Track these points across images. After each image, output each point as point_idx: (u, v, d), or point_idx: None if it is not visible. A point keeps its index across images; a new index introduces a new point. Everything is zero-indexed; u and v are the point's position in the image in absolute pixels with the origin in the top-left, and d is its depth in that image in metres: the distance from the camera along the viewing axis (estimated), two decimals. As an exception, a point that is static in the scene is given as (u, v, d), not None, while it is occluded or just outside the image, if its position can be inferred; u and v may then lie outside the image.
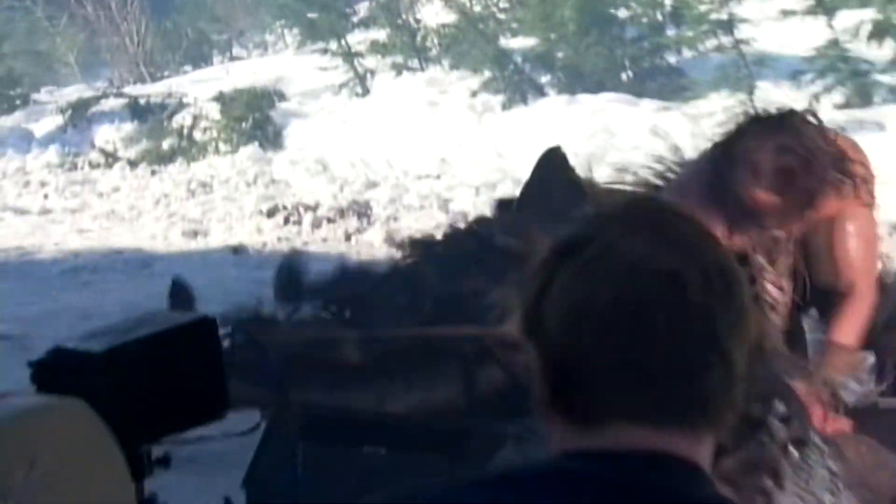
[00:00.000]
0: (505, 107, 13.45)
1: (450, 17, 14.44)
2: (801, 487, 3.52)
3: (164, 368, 1.85)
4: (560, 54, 13.94)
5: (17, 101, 17.15)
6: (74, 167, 13.23)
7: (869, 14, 11.45)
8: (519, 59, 13.99)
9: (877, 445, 3.92)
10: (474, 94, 13.58)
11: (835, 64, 11.54)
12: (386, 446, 2.67)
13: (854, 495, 3.61)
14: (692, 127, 11.36)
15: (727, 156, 4.02)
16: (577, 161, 10.46)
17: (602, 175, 10.08)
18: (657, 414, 1.27)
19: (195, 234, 9.29)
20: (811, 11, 11.78)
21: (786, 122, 4.08)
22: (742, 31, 11.94)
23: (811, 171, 3.96)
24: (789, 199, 3.93)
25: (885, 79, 11.37)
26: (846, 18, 11.72)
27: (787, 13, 12.24)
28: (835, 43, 11.53)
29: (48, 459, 1.57)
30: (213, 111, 13.60)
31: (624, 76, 13.60)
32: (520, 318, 1.33)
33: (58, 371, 1.78)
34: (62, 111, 15.90)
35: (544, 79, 13.88)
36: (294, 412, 2.04)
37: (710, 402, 1.27)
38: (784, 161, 3.89)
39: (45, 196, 11.61)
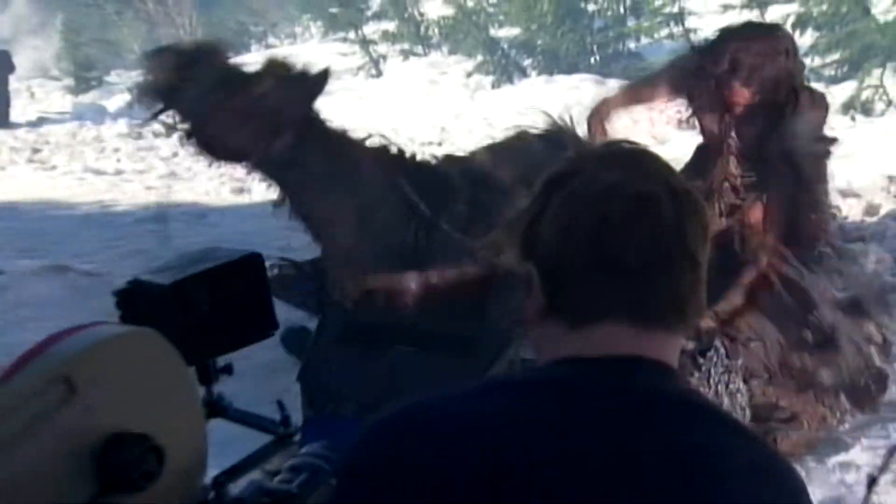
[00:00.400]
0: (494, 85, 13.42)
1: (448, 11, 14.32)
2: (705, 382, 3.66)
3: (221, 297, 1.77)
4: (539, 41, 13.89)
5: (93, 82, 17.00)
6: (140, 136, 13.09)
7: (794, 8, 11.37)
8: (505, 46, 13.94)
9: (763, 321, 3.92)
10: (469, 74, 13.55)
11: (766, 48, 11.56)
12: (412, 347, 2.62)
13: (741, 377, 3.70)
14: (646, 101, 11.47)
15: (713, 50, 3.95)
16: (553, 128, 10.61)
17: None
18: (639, 314, 1.24)
19: (241, 190, 9.18)
20: (747, 5, 11.73)
21: (767, 32, 4.10)
22: (690, 22, 11.87)
23: (781, 78, 3.90)
24: (759, 97, 3.85)
25: (807, 61, 11.36)
26: (775, 11, 11.60)
27: (727, 7, 12.18)
28: (761, 22, 11.53)
29: (127, 377, 1.49)
30: (260, 85, 13.54)
31: (593, 60, 13.58)
32: (516, 243, 1.31)
33: (134, 300, 1.70)
34: (129, 90, 15.83)
35: (527, 62, 13.82)
36: (334, 321, 1.92)
37: (683, 303, 1.25)
38: (762, 62, 3.83)
39: (118, 160, 11.49)
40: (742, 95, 3.84)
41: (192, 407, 1.57)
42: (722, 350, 3.74)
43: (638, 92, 4.68)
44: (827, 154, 4.12)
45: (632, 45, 13.92)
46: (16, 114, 14.78)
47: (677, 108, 4.30)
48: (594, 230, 1.23)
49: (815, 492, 3.43)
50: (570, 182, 1.26)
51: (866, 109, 9.56)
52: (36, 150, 12.18)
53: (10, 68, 14.89)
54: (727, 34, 3.99)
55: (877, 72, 9.74)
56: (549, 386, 1.24)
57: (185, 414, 1.55)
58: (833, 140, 4.14)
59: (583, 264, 1.24)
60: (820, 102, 4.06)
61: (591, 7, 14.02)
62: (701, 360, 3.68)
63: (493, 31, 14.22)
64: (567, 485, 1.16)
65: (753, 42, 3.90)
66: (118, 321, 1.67)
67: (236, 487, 1.68)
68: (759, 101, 3.88)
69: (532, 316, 1.27)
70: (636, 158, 1.29)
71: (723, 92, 3.87)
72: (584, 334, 1.24)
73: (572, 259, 1.24)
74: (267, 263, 1.96)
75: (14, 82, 15.12)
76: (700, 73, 3.96)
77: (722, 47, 3.91)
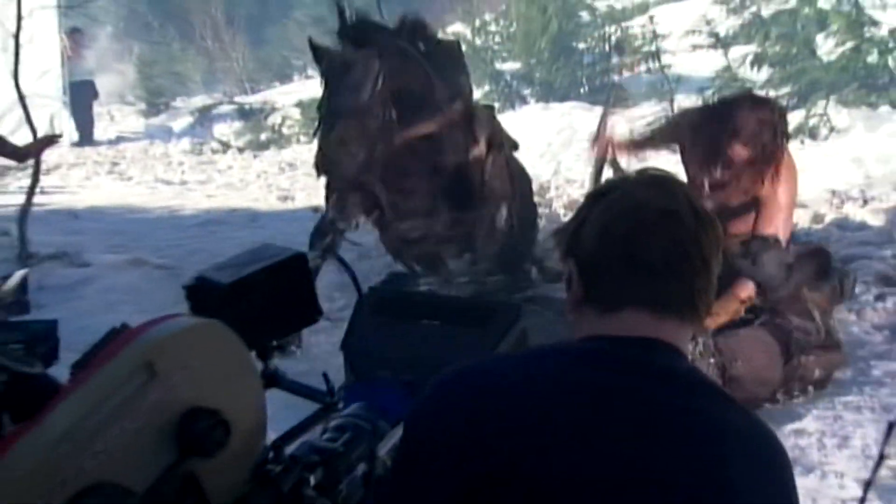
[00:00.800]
0: (498, 111, 13.40)
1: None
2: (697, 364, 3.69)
3: (272, 291, 1.77)
4: (537, 74, 13.82)
5: (162, 107, 17.00)
6: (201, 152, 13.15)
7: (752, 48, 11.36)
8: (508, 77, 13.87)
9: (762, 335, 3.96)
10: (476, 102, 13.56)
11: (729, 83, 11.43)
12: (437, 320, 2.60)
13: (735, 370, 3.69)
14: (629, 125, 11.43)
15: (719, 114, 4.04)
16: (549, 148, 10.58)
17: (568, 156, 10.22)
18: (658, 305, 1.29)
19: (286, 198, 9.24)
20: (713, 46, 11.65)
21: (765, 103, 4.13)
22: (665, 59, 11.83)
23: (776, 139, 3.98)
24: (758, 155, 3.93)
25: (763, 92, 11.32)
26: (736, 51, 11.61)
27: (696, 47, 12.18)
28: (728, 68, 11.40)
29: (199, 361, 1.53)
30: (295, 113, 13.49)
31: (582, 90, 13.49)
32: (561, 244, 1.38)
33: (200, 294, 1.71)
34: (192, 113, 15.85)
35: (526, 91, 13.75)
36: (370, 297, 1.87)
37: (696, 299, 1.31)
38: (760, 130, 3.89)
39: (183, 172, 11.52)
40: (740, 154, 3.93)
41: (253, 384, 1.59)
42: (710, 343, 3.72)
43: (642, 142, 4.77)
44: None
45: (615, 77, 13.80)
46: (98, 133, 14.81)
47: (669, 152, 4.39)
48: (626, 234, 1.29)
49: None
50: (609, 196, 1.33)
51: (813, 134, 9.52)
52: (115, 164, 12.21)
53: (95, 95, 14.89)
54: (732, 102, 4.09)
55: (821, 103, 9.70)
56: (583, 355, 1.28)
57: (247, 390, 1.57)
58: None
59: (615, 262, 1.29)
60: (790, 163, 4.13)
61: (581, 46, 13.98)
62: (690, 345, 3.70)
63: (498, 66, 14.17)
64: (599, 436, 1.19)
65: (755, 112, 3.96)
66: (188, 312, 1.67)
67: (291, 448, 1.69)
68: (750, 159, 3.96)
69: (571, 304, 1.33)
70: (663, 181, 1.36)
71: (720, 149, 3.93)
72: (612, 319, 1.30)
73: (607, 257, 1.30)
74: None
75: (97, 107, 15.13)
76: (700, 130, 4.03)
77: (727, 113, 3.98)
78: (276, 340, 1.76)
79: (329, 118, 5.63)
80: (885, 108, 9.70)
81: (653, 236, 1.29)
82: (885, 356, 4.39)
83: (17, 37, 6.36)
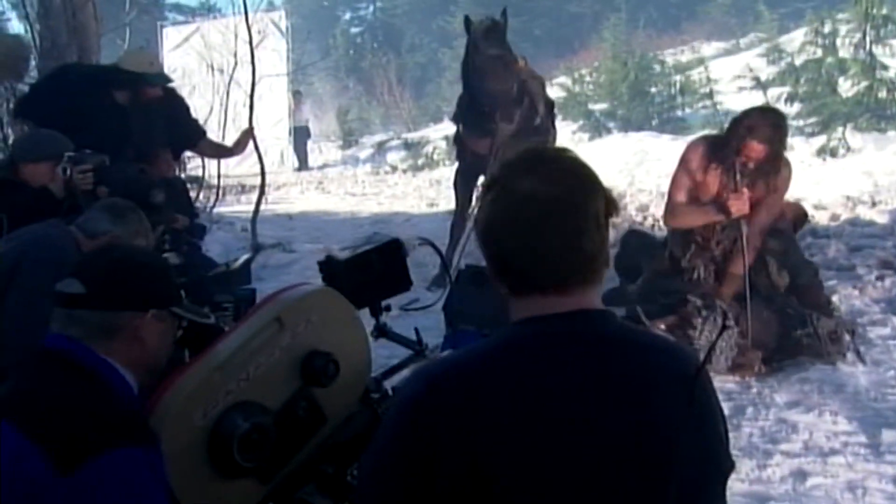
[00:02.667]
0: (591, 139, 13.11)
1: (562, 94, 14.11)
2: (708, 330, 3.44)
3: (376, 266, 1.72)
4: (619, 111, 13.43)
5: (352, 142, 17.30)
6: (377, 173, 13.43)
7: (786, 89, 10.73)
8: (598, 114, 13.50)
9: (768, 311, 3.59)
10: (573, 133, 13.29)
11: (767, 115, 10.95)
12: None
13: (739, 334, 3.43)
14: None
15: (734, 124, 3.65)
16: (626, 166, 10.27)
17: (640, 172, 9.89)
18: (560, 284, 1.05)
19: (432, 205, 9.23)
20: (755, 87, 11.11)
21: (773, 113, 3.82)
22: (717, 98, 11.32)
23: (783, 141, 3.64)
24: (771, 152, 3.55)
25: (795, 123, 10.68)
26: (773, 91, 11.00)
27: (741, 88, 11.60)
28: (767, 104, 10.87)
29: (316, 317, 1.51)
30: (443, 144, 13.67)
31: (653, 122, 13.00)
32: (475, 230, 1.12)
33: (327, 267, 1.68)
34: (372, 146, 16.23)
35: (611, 124, 13.44)
36: (466, 272, 1.81)
37: (593, 261, 1.06)
38: (772, 130, 3.54)
39: (364, 187, 11.64)
40: (756, 150, 3.53)
41: (359, 334, 1.59)
42: (719, 311, 3.47)
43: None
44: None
45: (679, 113, 13.27)
46: (311, 162, 15.32)
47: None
48: (511, 228, 1.05)
49: (783, 396, 3.20)
50: (493, 189, 1.07)
51: (833, 153, 8.90)
52: (320, 183, 12.59)
53: (309, 135, 15.51)
54: (747, 112, 3.70)
55: (840, 129, 9.05)
56: (518, 343, 1.05)
57: (354, 339, 1.58)
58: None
59: (511, 254, 1.05)
60: (786, 165, 3.73)
61: (653, 90, 13.53)
62: (705, 311, 3.46)
63: (590, 105, 13.81)
64: (553, 402, 1.00)
65: (766, 116, 3.64)
66: (321, 281, 1.67)
67: (389, 382, 1.69)
68: (764, 157, 3.56)
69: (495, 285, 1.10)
70: (545, 165, 1.07)
71: (741, 148, 3.53)
72: (532, 299, 1.06)
73: (503, 250, 1.06)
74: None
75: (310, 144, 15.69)
76: (725, 139, 3.64)
77: (744, 119, 3.62)
78: (382, 302, 1.71)
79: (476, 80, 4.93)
80: (892, 133, 9.00)
81: (537, 227, 1.03)
82: (880, 323, 4.06)
83: (251, 96, 6.61)
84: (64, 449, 1.17)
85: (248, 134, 5.14)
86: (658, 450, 1.01)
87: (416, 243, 1.82)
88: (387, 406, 1.57)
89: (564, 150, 1.11)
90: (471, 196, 5.57)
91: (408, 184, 11.74)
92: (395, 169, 13.65)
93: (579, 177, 1.07)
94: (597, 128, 13.31)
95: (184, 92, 5.81)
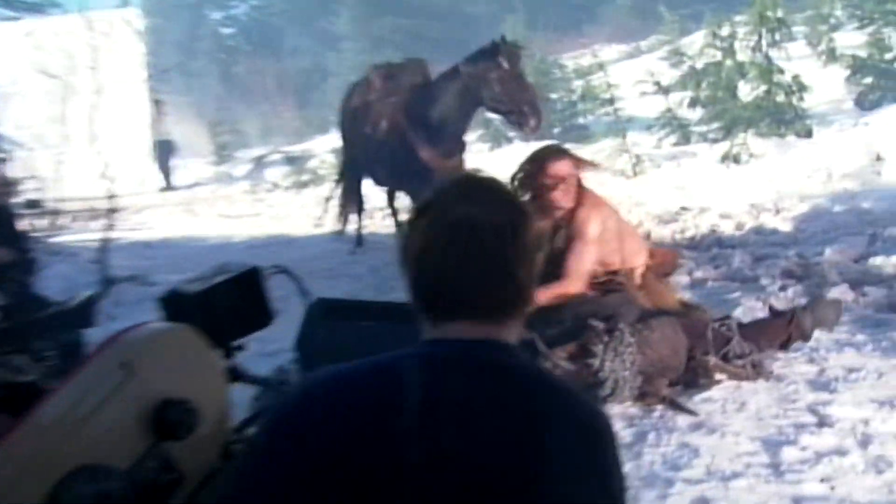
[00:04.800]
0: (491, 149, 13.41)
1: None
2: (610, 359, 3.49)
3: (232, 300, 1.68)
4: (519, 120, 13.91)
5: (225, 158, 17.02)
6: (255, 192, 13.21)
7: (688, 93, 11.35)
8: (498, 122, 13.69)
9: (676, 328, 3.64)
10: (472, 142, 13.44)
11: (670, 121, 11.50)
12: (371, 321, 2.26)
13: (645, 360, 3.49)
14: (592, 157, 11.37)
15: (536, 164, 3.78)
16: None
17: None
18: (477, 317, 1.11)
19: (318, 225, 9.11)
20: (656, 92, 11.69)
21: (559, 151, 3.90)
22: (619, 104, 11.76)
23: (578, 178, 3.76)
24: (566, 189, 3.71)
25: (697, 129, 11.31)
26: (675, 97, 11.62)
27: (643, 94, 12.17)
28: (669, 110, 11.41)
29: (170, 360, 1.49)
30: (330, 158, 13.63)
31: (555, 130, 13.39)
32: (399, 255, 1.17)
33: (172, 303, 1.65)
34: (249, 162, 15.93)
35: (511, 133, 13.76)
36: (319, 305, 1.77)
37: (510, 305, 1.13)
38: (565, 167, 3.72)
39: (239, 208, 11.54)
40: (558, 198, 3.74)
41: (218, 378, 1.55)
42: (627, 332, 3.53)
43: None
44: None
45: (581, 120, 13.75)
46: (178, 180, 14.92)
47: None
48: (439, 257, 1.10)
49: (686, 419, 3.36)
50: (426, 215, 1.12)
51: (736, 159, 9.48)
52: (188, 204, 12.33)
53: (174, 150, 15.12)
54: (540, 156, 3.82)
55: (742, 135, 9.67)
56: (418, 359, 1.11)
57: (212, 383, 1.54)
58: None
59: (432, 282, 1.12)
60: (599, 203, 3.87)
61: (553, 96, 13.94)
62: (606, 337, 3.52)
63: (489, 114, 14.14)
64: (436, 426, 1.04)
65: (562, 159, 3.78)
66: (163, 319, 1.61)
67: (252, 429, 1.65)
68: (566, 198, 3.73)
69: (415, 312, 1.15)
70: (477, 193, 1.13)
71: (544, 193, 3.71)
72: (444, 326, 1.12)
73: (426, 278, 1.12)
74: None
75: (176, 160, 15.28)
76: (529, 181, 3.79)
77: (542, 163, 3.76)
78: (236, 341, 1.68)
79: None
80: (791, 138, 9.73)
81: (463, 257, 1.08)
82: (782, 336, 4.29)
83: (96, 106, 6.40)
84: None
85: None
86: (527, 496, 1.02)
87: (270, 271, 1.78)
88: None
89: (492, 177, 1.18)
90: None
91: (290, 203, 11.65)
92: (276, 186, 13.54)
93: (514, 205, 1.14)
94: (497, 137, 13.61)
95: (13, 101, 5.55)
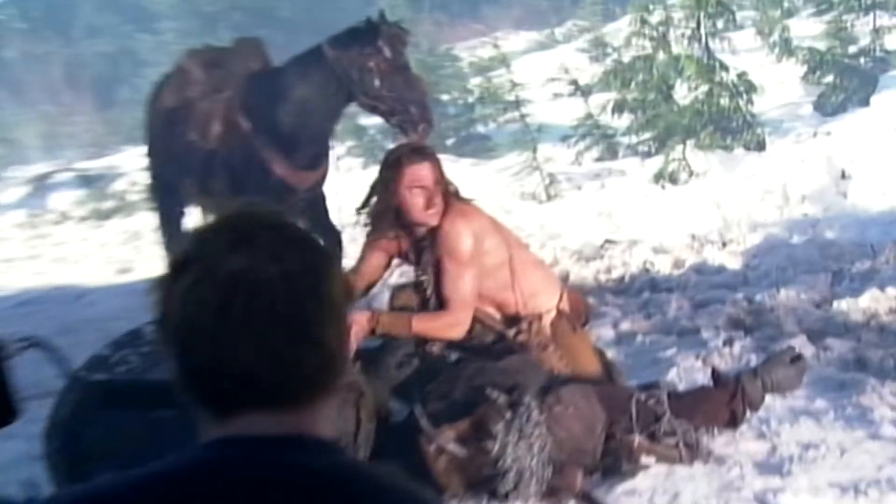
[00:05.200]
0: (364, 166, 13.40)
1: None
2: (513, 442, 3.47)
3: None
4: (401, 127, 14.00)
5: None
6: (34, 225, 12.78)
7: (612, 95, 11.68)
8: (372, 132, 13.82)
9: (591, 399, 3.69)
10: (339, 158, 13.50)
11: (591, 130, 11.87)
12: (171, 409, 2.17)
13: (553, 436, 3.51)
14: (496, 176, 11.59)
15: (393, 168, 3.85)
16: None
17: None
18: (273, 402, 1.09)
19: (125, 271, 8.97)
20: (573, 94, 12.09)
21: (419, 151, 3.95)
22: (527, 109, 12.00)
23: (444, 191, 3.81)
24: (429, 200, 3.77)
25: (624, 139, 11.66)
26: (596, 99, 11.98)
27: (557, 95, 12.56)
28: (590, 116, 11.80)
29: None
30: (145, 178, 13.28)
31: (449, 142, 13.56)
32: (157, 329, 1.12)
33: None
34: (26, 183, 15.40)
35: (390, 145, 13.89)
36: (91, 387, 1.68)
37: (312, 381, 1.11)
38: (427, 172, 3.77)
39: (9, 248, 11.18)
40: (418, 211, 3.82)
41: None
42: (534, 408, 3.55)
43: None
44: None
45: (481, 128, 14.01)
46: None
47: None
48: (210, 330, 1.06)
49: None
50: (189, 270, 1.09)
51: (673, 179, 9.84)
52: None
53: None
54: (395, 157, 3.92)
55: (679, 147, 10.03)
56: (196, 469, 1.09)
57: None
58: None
59: (208, 365, 1.08)
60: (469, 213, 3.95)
61: (444, 97, 14.13)
62: (508, 413, 3.52)
63: (361, 120, 14.18)
64: None
65: (423, 161, 3.86)
66: None
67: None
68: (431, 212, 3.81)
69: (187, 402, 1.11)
70: (254, 239, 1.10)
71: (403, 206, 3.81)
72: (230, 420, 1.09)
73: (199, 360, 1.08)
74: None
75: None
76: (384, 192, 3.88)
77: (398, 168, 3.84)
78: None
79: None
80: (739, 151, 10.19)
81: (244, 327, 1.06)
82: (726, 405, 4.43)
83: None
84: None
85: None
86: None
87: (19, 346, 1.71)
88: None
89: (280, 215, 1.16)
90: None
91: (87, 240, 11.37)
92: (64, 217, 13.18)
93: (310, 249, 1.12)
94: (371, 150, 13.65)
95: None
